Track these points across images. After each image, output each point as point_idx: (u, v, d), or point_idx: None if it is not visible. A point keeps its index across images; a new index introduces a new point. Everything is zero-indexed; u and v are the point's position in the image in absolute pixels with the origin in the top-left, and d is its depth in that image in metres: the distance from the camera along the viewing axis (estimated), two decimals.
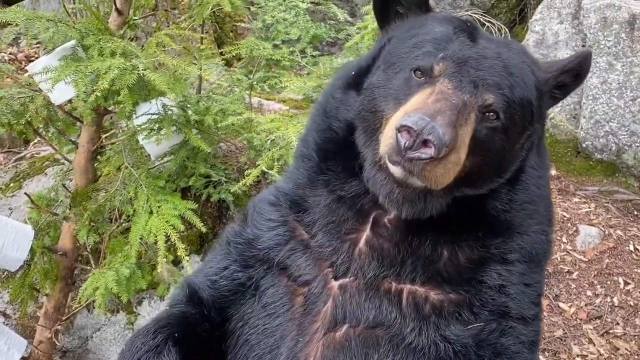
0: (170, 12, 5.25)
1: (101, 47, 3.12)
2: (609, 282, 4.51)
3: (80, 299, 3.55)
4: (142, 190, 3.67)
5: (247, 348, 1.80)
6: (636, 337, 4.16)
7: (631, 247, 4.74)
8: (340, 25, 3.93)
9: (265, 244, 1.86)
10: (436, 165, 1.47)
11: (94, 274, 3.49)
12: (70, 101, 3.75)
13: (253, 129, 3.58)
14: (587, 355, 4.08)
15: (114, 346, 4.46)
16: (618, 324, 4.26)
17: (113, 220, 3.92)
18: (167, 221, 3.48)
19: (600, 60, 5.46)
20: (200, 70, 3.95)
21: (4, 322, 4.13)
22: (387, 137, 1.53)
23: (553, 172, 5.57)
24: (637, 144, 5.39)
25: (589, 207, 5.15)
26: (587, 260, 4.68)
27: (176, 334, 1.77)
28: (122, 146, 3.84)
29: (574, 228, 4.91)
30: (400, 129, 1.46)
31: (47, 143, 4.12)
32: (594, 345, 4.12)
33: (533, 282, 1.75)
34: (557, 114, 5.74)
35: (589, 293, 4.47)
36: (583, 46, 5.76)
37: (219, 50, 4.17)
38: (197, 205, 3.77)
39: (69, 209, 3.82)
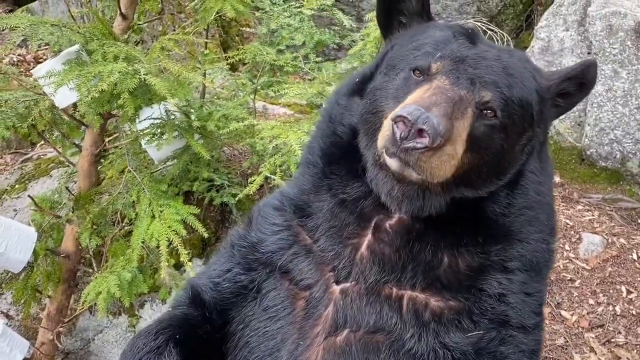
0: (177, 16, 5.26)
1: (104, 52, 3.14)
2: (611, 291, 4.49)
3: (82, 302, 3.57)
4: (144, 194, 3.69)
5: (247, 350, 1.82)
6: (638, 346, 4.14)
7: (634, 256, 4.71)
8: (345, 31, 3.94)
9: (268, 248, 1.89)
10: (431, 155, 1.49)
11: (96, 278, 3.51)
12: (75, 105, 3.78)
13: (256, 134, 3.60)
14: None
15: (116, 348, 4.47)
16: (620, 332, 4.24)
17: (116, 224, 3.94)
18: (169, 226, 3.50)
19: (606, 68, 5.45)
20: (204, 75, 3.97)
21: (6, 324, 4.15)
22: (383, 131, 1.57)
23: (557, 179, 5.56)
24: None
25: (593, 215, 5.13)
26: (589, 268, 4.67)
27: (177, 336, 1.79)
28: (125, 150, 3.86)
29: (577, 236, 4.89)
30: (395, 119, 1.49)
31: (51, 146, 4.14)
32: (596, 354, 4.11)
33: (534, 291, 1.75)
34: (562, 121, 5.72)
35: (591, 301, 4.45)
36: (588, 53, 5.74)
37: (225, 55, 4.18)
38: (199, 209, 3.79)
39: (72, 212, 3.84)
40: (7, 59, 9.11)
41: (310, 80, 3.95)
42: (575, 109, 5.74)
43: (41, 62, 6.84)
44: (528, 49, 6.27)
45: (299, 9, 4.01)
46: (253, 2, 4.08)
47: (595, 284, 4.55)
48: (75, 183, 4.30)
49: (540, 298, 1.80)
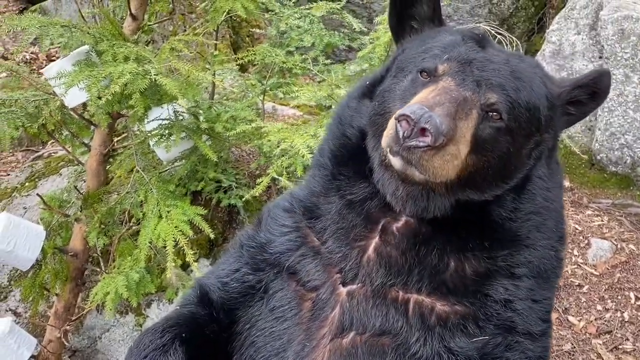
0: (187, 16, 5.28)
1: (114, 52, 3.16)
2: (619, 297, 4.46)
3: (90, 302, 3.59)
4: (152, 194, 3.70)
5: (253, 350, 1.83)
6: None
7: None
8: (354, 34, 3.94)
9: (276, 249, 1.91)
10: (434, 154, 1.50)
11: (104, 278, 3.53)
12: (84, 104, 3.80)
13: (263, 136, 3.60)
14: None
15: (123, 347, 4.49)
16: (628, 339, 4.21)
17: (123, 223, 3.96)
18: (176, 226, 3.51)
19: (617, 73, 5.41)
20: (214, 76, 3.97)
21: (14, 321, 4.17)
22: (387, 130, 1.58)
23: (567, 183, 5.53)
24: None
25: (602, 220, 5.10)
26: (598, 274, 4.64)
27: (184, 334, 1.81)
28: (134, 150, 3.88)
29: (586, 241, 4.87)
30: (399, 118, 1.50)
31: (61, 145, 4.17)
32: None
33: (542, 298, 1.75)
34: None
35: (599, 307, 4.42)
36: (600, 57, 5.71)
37: (235, 56, 4.19)
38: (207, 210, 3.80)
39: (81, 211, 3.87)
40: (19, 57, 9.18)
41: (319, 82, 3.95)
42: None
43: (53, 60, 6.88)
44: (539, 53, 6.24)
45: (308, 11, 4.02)
46: (263, 3, 4.09)
47: (603, 289, 4.52)
48: (84, 182, 4.33)
49: (548, 305, 1.79)
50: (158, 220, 3.57)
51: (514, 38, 5.46)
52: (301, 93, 3.31)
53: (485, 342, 1.66)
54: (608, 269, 4.65)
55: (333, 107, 3.96)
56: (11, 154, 8.15)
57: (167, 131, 3.57)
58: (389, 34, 3.24)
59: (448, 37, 1.79)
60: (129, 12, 3.61)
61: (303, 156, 2.92)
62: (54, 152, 6.42)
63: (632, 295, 4.46)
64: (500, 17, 8.30)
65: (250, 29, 6.09)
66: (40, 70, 5.93)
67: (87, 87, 3.05)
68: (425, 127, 1.46)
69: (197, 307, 1.94)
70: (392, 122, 1.55)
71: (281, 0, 4.32)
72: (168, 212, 3.58)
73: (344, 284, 1.78)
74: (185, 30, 5.10)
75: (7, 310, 4.75)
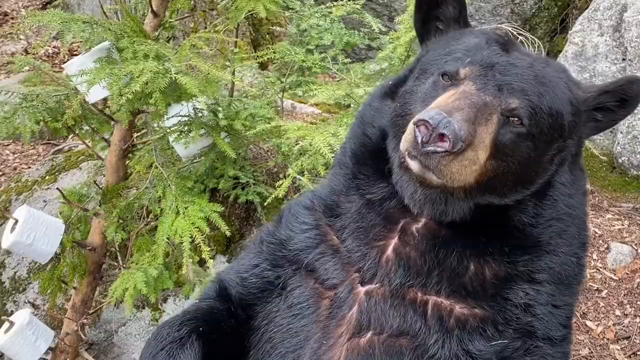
0: (208, 13, 5.29)
1: (135, 50, 3.17)
2: (639, 302, 4.41)
3: (109, 297, 3.62)
4: (170, 190, 3.71)
5: (270, 345, 1.84)
6: None
7: None
8: (374, 34, 3.93)
9: (296, 246, 1.92)
10: (452, 160, 1.50)
11: (123, 274, 3.55)
12: (105, 100, 3.82)
13: (282, 134, 3.60)
14: None
15: (139, 341, 4.52)
16: None
17: (141, 219, 3.98)
18: (192, 223, 3.52)
19: None
20: (233, 74, 3.98)
21: (32, 313, 4.22)
22: (406, 134, 1.58)
23: (587, 186, 5.46)
24: None
25: (622, 224, 5.04)
26: (617, 278, 4.58)
27: (201, 328, 1.83)
28: (153, 146, 3.89)
29: (605, 245, 4.81)
30: (417, 123, 1.50)
31: (81, 140, 4.20)
32: None
33: (562, 304, 1.74)
34: None
35: (617, 312, 4.37)
36: (623, 60, 5.63)
37: (254, 54, 4.20)
38: (224, 207, 3.81)
39: (99, 206, 3.89)
40: (42, 51, 9.28)
41: (338, 81, 3.94)
42: None
43: (75, 55, 6.93)
44: (561, 54, 6.17)
45: (329, 10, 4.01)
46: (284, 2, 4.09)
47: (622, 294, 4.47)
48: (103, 177, 4.36)
49: (569, 311, 1.78)
50: (175, 217, 3.58)
51: (535, 39, 5.41)
52: (320, 92, 3.31)
53: (504, 345, 1.66)
54: (627, 273, 4.59)
55: (352, 106, 3.96)
56: (32, 147, 8.25)
57: (186, 128, 3.58)
58: (410, 33, 3.23)
59: (472, 40, 1.78)
60: (150, 9, 3.61)
61: (323, 155, 2.91)
62: (74, 146, 6.48)
63: None
64: (522, 17, 8.22)
65: (271, 27, 6.09)
66: (62, 65, 5.98)
67: (108, 85, 3.07)
68: (444, 133, 1.46)
69: (216, 301, 1.96)
70: (410, 127, 1.55)
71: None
72: (185, 208, 3.59)
73: (363, 283, 1.78)
74: (205, 27, 5.11)
75: (25, 302, 4.81)
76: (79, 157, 5.52)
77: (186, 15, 4.61)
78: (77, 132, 3.98)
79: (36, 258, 4.07)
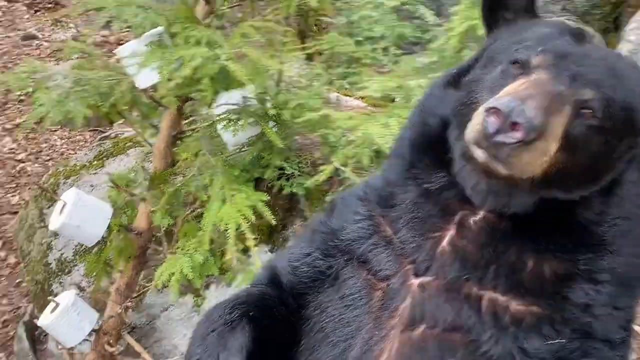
0: (256, 3, 5.28)
1: (187, 36, 3.19)
2: None
3: (155, 282, 3.66)
4: (217, 177, 3.73)
5: (321, 335, 1.82)
6: None
7: None
8: (427, 25, 3.86)
9: (348, 236, 1.88)
10: (522, 150, 1.43)
11: (169, 259, 3.59)
12: (154, 87, 3.85)
13: (329, 125, 3.58)
14: None
15: (180, 327, 4.57)
16: None
17: (188, 205, 4.01)
18: (238, 210, 3.53)
19: None
20: (282, 63, 3.97)
21: (78, 295, 4.30)
22: (474, 123, 1.51)
23: None
24: None
25: None
26: None
27: (252, 313, 1.80)
28: (201, 133, 3.92)
29: None
30: (488, 111, 1.44)
31: (130, 126, 4.25)
32: None
33: (623, 306, 1.66)
34: None
35: None
36: None
37: (301, 45, 4.19)
38: (268, 197, 3.81)
39: (147, 191, 3.94)
40: (90, 40, 9.43)
41: (388, 72, 3.89)
42: None
43: (123, 44, 7.02)
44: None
45: (381, 0, 3.96)
46: None
47: None
48: (150, 163, 4.40)
49: (630, 314, 1.70)
50: (222, 204, 3.60)
51: (594, 32, 5.27)
52: (370, 83, 3.27)
53: (561, 345, 1.60)
54: None
55: (397, 99, 3.91)
56: (79, 133, 8.41)
57: (235, 116, 3.59)
58: (465, 24, 3.17)
59: (543, 29, 1.72)
60: None
61: (372, 145, 2.87)
62: (120, 133, 6.57)
63: None
64: (574, 13, 8.01)
65: (318, 18, 6.07)
66: (112, 51, 6.06)
67: (158, 68, 3.09)
68: (517, 121, 1.40)
69: (267, 287, 1.95)
70: (479, 115, 1.49)
71: None
72: (232, 196, 3.60)
73: (416, 276, 1.74)
74: (253, 17, 5.11)
75: (70, 284, 4.90)
76: (126, 143, 5.59)
77: (235, 4, 4.62)
78: (126, 118, 4.02)
79: (83, 240, 4.15)
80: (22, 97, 8.73)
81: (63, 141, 8.12)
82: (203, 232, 3.66)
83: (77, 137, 8.24)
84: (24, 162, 7.62)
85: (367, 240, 1.85)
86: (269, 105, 3.66)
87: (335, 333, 1.79)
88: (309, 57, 5.57)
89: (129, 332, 4.47)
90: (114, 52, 4.00)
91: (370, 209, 1.91)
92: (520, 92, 1.48)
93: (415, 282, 1.73)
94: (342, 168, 3.59)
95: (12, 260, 6.09)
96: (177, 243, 3.98)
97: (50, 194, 4.62)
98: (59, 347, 4.92)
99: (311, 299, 1.89)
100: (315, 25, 6.16)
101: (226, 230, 3.55)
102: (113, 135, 6.62)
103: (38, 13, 10.66)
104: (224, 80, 3.24)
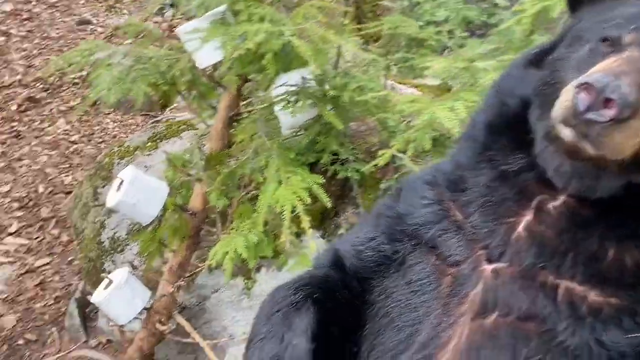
0: None
1: (250, 13, 3.17)
2: None
3: (209, 260, 3.66)
4: (273, 160, 3.71)
5: (387, 320, 1.77)
6: None
7: None
8: (494, 8, 3.75)
9: (415, 220, 1.82)
10: (614, 129, 1.35)
11: (223, 238, 3.58)
12: (214, 67, 3.85)
13: (389, 109, 3.52)
14: None
15: (229, 309, 4.58)
16: None
17: (243, 187, 4.01)
18: (294, 192, 3.50)
19: None
20: (340, 46, 3.92)
21: (130, 272, 4.34)
22: (562, 100, 1.44)
23: None
24: None
25: None
26: None
27: (316, 295, 1.77)
28: (258, 115, 3.90)
29: None
30: (579, 87, 1.36)
31: (188, 107, 4.26)
32: None
33: None
34: None
35: None
36: None
37: (358, 28, 4.12)
38: (324, 180, 3.77)
39: (203, 172, 3.94)
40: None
41: (452, 56, 3.80)
42: None
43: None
44: None
45: None
46: None
47: None
48: (205, 146, 4.41)
49: None
50: (278, 186, 3.57)
51: None
52: (436, 62, 3.18)
53: None
54: None
55: (456, 87, 3.82)
56: (131, 117, 8.53)
57: (294, 97, 3.56)
58: (537, 6, 3.06)
59: (632, 9, 1.63)
60: None
61: (437, 131, 2.80)
62: (172, 118, 6.63)
63: None
64: None
65: (375, 3, 6.00)
66: (174, 29, 6.07)
67: (222, 44, 3.08)
68: (610, 97, 1.32)
69: (330, 270, 1.91)
70: (569, 92, 1.42)
71: None
72: (288, 178, 3.58)
73: (489, 262, 1.67)
74: None
75: (122, 263, 4.96)
76: (180, 126, 5.63)
77: None
78: (185, 98, 4.03)
79: (138, 219, 4.18)
80: (76, 81, 8.89)
81: (115, 124, 8.25)
82: (257, 213, 3.64)
83: (129, 121, 8.36)
84: (77, 143, 7.76)
85: (435, 224, 1.79)
86: (327, 87, 3.61)
87: (400, 318, 1.74)
88: (366, 42, 5.50)
89: (179, 312, 4.49)
90: (175, 29, 4.00)
91: (439, 193, 1.85)
92: (613, 68, 1.40)
93: (488, 268, 1.66)
94: (401, 155, 3.53)
95: (64, 238, 6.20)
96: (231, 224, 3.97)
97: (107, 172, 4.68)
98: (110, 324, 4.99)
99: (376, 284, 1.84)
100: (371, 12, 6.09)
101: (281, 212, 3.52)
102: (164, 120, 6.69)
103: None
104: (286, 58, 3.21)
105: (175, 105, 7.06)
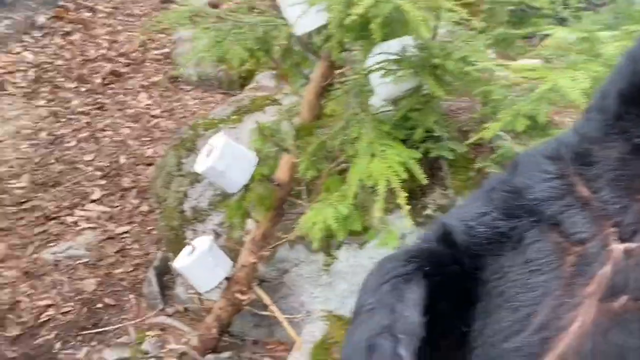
0: None
1: None
2: None
3: (296, 231, 3.59)
4: (366, 132, 3.59)
5: (501, 299, 1.64)
6: None
7: None
8: None
9: (536, 195, 1.67)
10: None
11: (312, 208, 3.50)
12: (310, 34, 3.77)
13: (493, 82, 3.35)
14: None
15: (308, 284, 4.51)
16: None
17: (333, 160, 3.92)
18: (389, 166, 3.38)
19: None
20: (439, 17, 3.76)
21: (213, 240, 4.33)
22: None
23: None
24: None
25: None
26: None
27: (426, 268, 1.66)
28: (352, 86, 3.79)
29: None
30: None
31: (278, 76, 4.21)
32: None
33: None
34: None
35: None
36: None
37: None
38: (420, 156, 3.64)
39: (293, 142, 3.88)
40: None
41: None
42: None
43: None
44: None
45: None
46: None
47: None
48: (292, 117, 4.34)
49: None
50: (371, 159, 3.46)
51: None
52: (555, 30, 2.99)
53: None
54: None
55: (555, 69, 3.60)
56: (210, 95, 8.60)
57: (394, 66, 3.43)
58: None
59: None
60: None
61: (554, 102, 2.62)
62: (251, 97, 6.62)
63: None
64: None
65: None
66: None
67: (327, 8, 2.98)
68: None
69: (439, 245, 1.79)
70: None
71: None
72: (382, 151, 3.45)
73: (621, 240, 1.51)
74: None
75: (203, 232, 4.96)
76: (264, 101, 5.60)
77: None
78: (279, 65, 3.97)
79: (225, 187, 4.16)
80: (158, 57, 9.03)
81: (195, 101, 8.33)
82: (348, 186, 3.54)
83: (209, 99, 8.42)
84: (158, 117, 7.86)
85: (558, 200, 1.64)
86: (431, 55, 3.46)
87: (517, 297, 1.61)
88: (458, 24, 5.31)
89: (258, 284, 4.45)
90: None
91: (562, 167, 1.70)
92: None
93: (619, 247, 1.51)
94: (501, 133, 3.35)
95: (144, 208, 6.28)
96: (317, 197, 3.89)
97: (192, 141, 4.68)
98: (188, 292, 5.01)
99: (490, 262, 1.71)
100: None
101: (372, 186, 3.41)
102: (242, 99, 6.68)
103: None
104: (393, 24, 3.09)
105: (254, 84, 7.05)
